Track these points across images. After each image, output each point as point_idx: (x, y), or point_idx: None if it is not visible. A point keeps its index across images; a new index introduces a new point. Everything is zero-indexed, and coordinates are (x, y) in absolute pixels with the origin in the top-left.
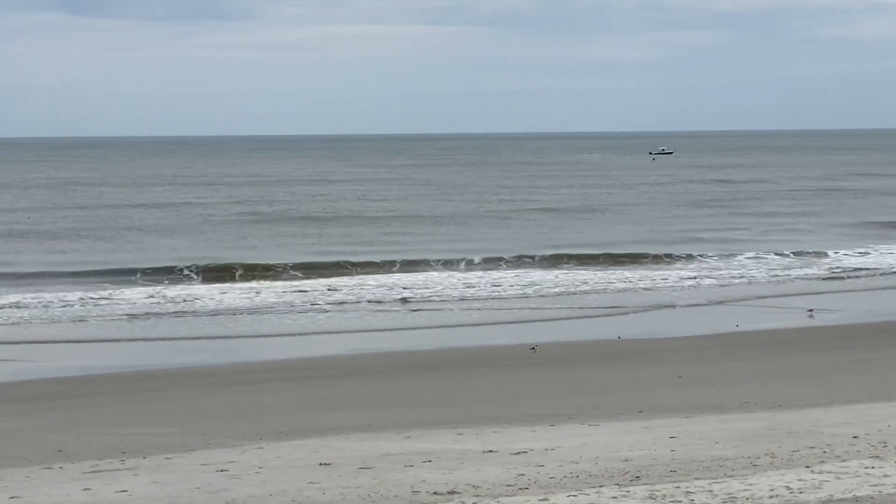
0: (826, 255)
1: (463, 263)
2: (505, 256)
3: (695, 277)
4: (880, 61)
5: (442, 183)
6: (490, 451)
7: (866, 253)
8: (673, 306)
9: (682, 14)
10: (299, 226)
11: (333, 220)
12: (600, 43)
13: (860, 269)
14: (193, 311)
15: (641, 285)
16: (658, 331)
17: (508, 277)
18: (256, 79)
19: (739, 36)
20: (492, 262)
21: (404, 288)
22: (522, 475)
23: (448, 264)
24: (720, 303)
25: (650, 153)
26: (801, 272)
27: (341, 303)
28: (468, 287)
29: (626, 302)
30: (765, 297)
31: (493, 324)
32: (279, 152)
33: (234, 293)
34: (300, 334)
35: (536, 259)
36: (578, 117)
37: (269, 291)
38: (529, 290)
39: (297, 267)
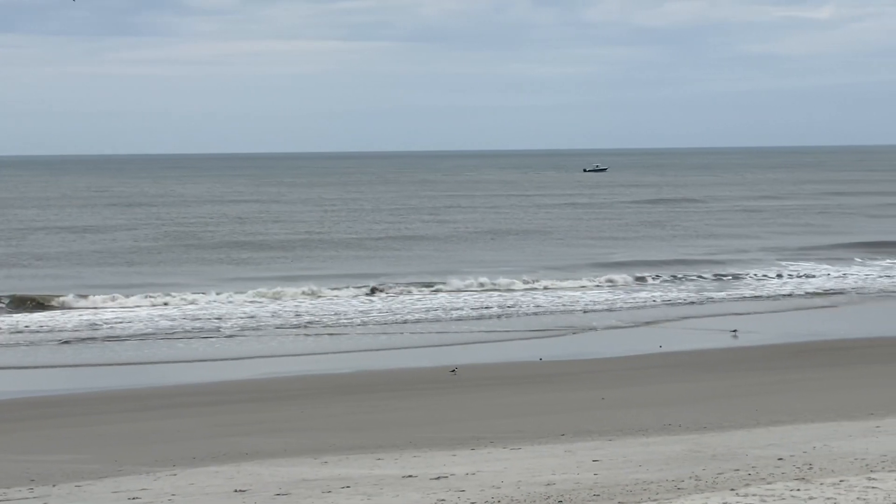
0: (747, 276)
1: (365, 287)
2: (410, 280)
3: (614, 299)
4: (805, 77)
5: (349, 202)
6: (409, 476)
7: (785, 273)
8: (595, 328)
9: (604, 30)
10: (215, 251)
11: (238, 245)
12: (524, 59)
13: (785, 289)
14: (96, 337)
15: (562, 308)
16: (580, 352)
17: (417, 300)
18: (173, 96)
19: (664, 52)
20: (400, 286)
21: (309, 315)
22: (443, 500)
23: (352, 287)
24: (647, 324)
25: (584, 170)
26: (724, 294)
27: (255, 327)
28: (379, 311)
29: (549, 324)
30: (688, 318)
31: (410, 347)
32: (192, 172)
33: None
34: (213, 359)
35: (447, 282)
36: (505, 135)
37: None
38: (441, 313)
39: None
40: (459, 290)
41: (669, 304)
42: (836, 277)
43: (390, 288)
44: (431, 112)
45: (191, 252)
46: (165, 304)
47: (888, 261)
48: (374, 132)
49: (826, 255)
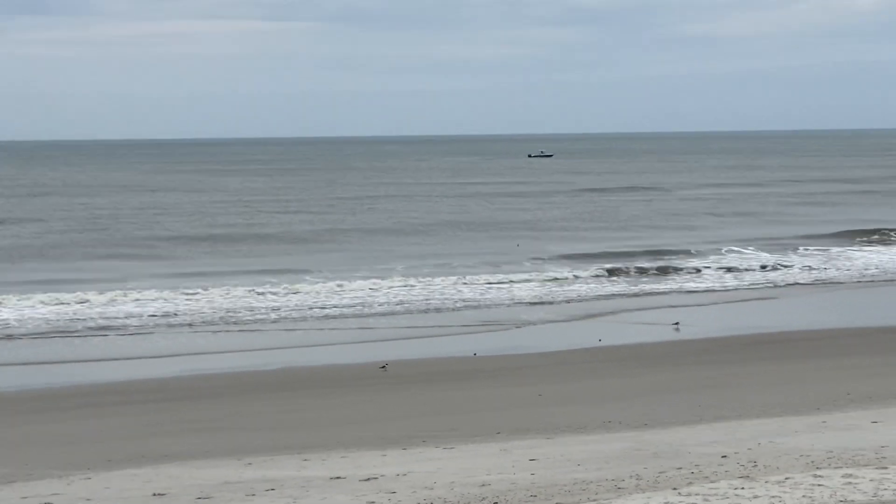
0: (690, 267)
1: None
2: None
3: (552, 292)
4: (749, 60)
5: (260, 192)
6: (337, 478)
7: (729, 264)
8: (532, 322)
9: (537, 9)
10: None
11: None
12: (454, 41)
13: (728, 280)
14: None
15: (493, 301)
16: (516, 347)
17: (347, 293)
18: (83, 78)
19: (602, 33)
20: (317, 277)
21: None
22: (372, 503)
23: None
24: (586, 317)
25: (529, 155)
26: (666, 285)
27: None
28: (296, 306)
29: (484, 318)
30: (629, 311)
31: (339, 343)
32: (101, 158)
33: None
34: (129, 357)
35: (365, 274)
36: (435, 120)
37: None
38: (365, 308)
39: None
40: (379, 284)
41: (609, 297)
42: (780, 268)
43: (314, 283)
44: (356, 96)
45: (98, 247)
46: (77, 301)
47: (835, 249)
48: (296, 117)
49: (771, 244)
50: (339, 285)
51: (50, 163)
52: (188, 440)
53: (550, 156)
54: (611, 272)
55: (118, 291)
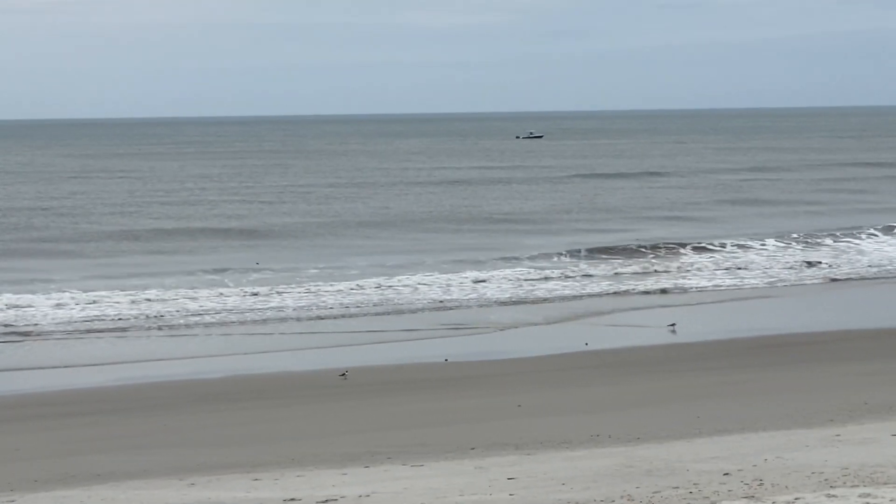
0: (689, 262)
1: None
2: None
3: (527, 292)
4: (746, 29)
5: (204, 179)
6: (292, 500)
7: (731, 259)
8: (510, 324)
9: None
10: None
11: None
12: (416, 6)
13: (728, 277)
14: None
15: (466, 301)
16: (492, 352)
17: (299, 292)
18: (3, 50)
19: None
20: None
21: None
22: None
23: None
24: (573, 318)
25: (517, 137)
26: (663, 283)
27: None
28: (244, 308)
29: (454, 319)
30: (620, 311)
31: (292, 349)
32: (25, 139)
33: None
34: (53, 366)
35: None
36: (399, 97)
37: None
38: (321, 309)
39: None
40: (335, 283)
41: (597, 295)
42: (791, 264)
43: (260, 282)
44: (313, 70)
45: (14, 242)
46: None
47: (848, 241)
48: (245, 94)
49: (782, 235)
50: (290, 284)
51: None
52: (122, 458)
53: (540, 136)
54: (600, 267)
55: (40, 294)
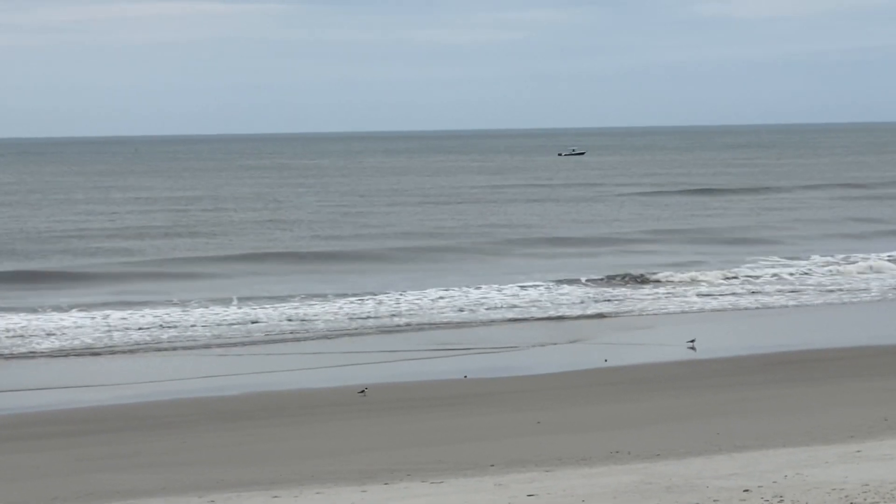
0: (705, 280)
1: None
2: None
3: (546, 307)
4: (766, 44)
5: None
6: None
7: (772, 274)
8: (530, 341)
9: None
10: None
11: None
12: (432, 24)
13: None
14: None
15: (487, 318)
16: (512, 368)
17: (317, 310)
18: (21, 69)
19: (601, 14)
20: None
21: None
22: None
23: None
24: (589, 337)
25: (559, 154)
26: (681, 299)
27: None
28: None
29: (476, 336)
30: (638, 329)
31: (311, 368)
32: (36, 158)
33: None
34: (72, 385)
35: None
36: (425, 114)
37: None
38: (339, 325)
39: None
40: (351, 301)
41: (615, 315)
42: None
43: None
44: (331, 87)
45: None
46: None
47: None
48: (259, 111)
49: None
50: (307, 303)
51: None
52: (141, 476)
53: (582, 153)
54: (621, 284)
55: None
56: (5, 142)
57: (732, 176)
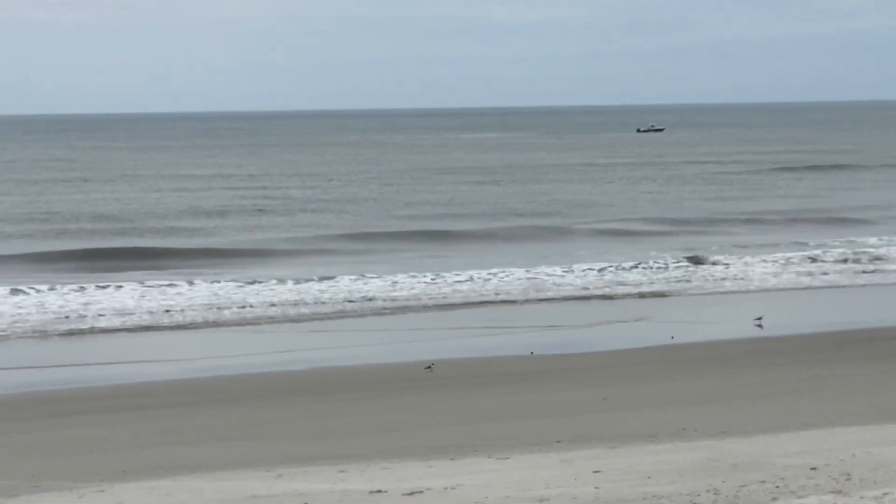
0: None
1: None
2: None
3: (615, 285)
4: (850, 19)
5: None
6: (378, 492)
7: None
8: (597, 318)
9: None
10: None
11: None
12: (506, 1)
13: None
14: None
15: (555, 294)
16: (578, 344)
17: (377, 283)
18: (89, 45)
19: None
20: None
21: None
22: None
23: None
24: (655, 313)
25: (638, 130)
26: (759, 273)
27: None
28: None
29: (542, 313)
30: (705, 305)
31: (378, 344)
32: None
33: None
34: (142, 359)
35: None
36: (494, 90)
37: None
38: (408, 301)
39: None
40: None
41: (681, 293)
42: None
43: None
44: (403, 63)
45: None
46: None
47: None
48: (334, 88)
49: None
50: (366, 279)
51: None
52: (210, 449)
53: (661, 129)
54: (689, 260)
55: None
56: (113, 116)
57: (824, 153)
